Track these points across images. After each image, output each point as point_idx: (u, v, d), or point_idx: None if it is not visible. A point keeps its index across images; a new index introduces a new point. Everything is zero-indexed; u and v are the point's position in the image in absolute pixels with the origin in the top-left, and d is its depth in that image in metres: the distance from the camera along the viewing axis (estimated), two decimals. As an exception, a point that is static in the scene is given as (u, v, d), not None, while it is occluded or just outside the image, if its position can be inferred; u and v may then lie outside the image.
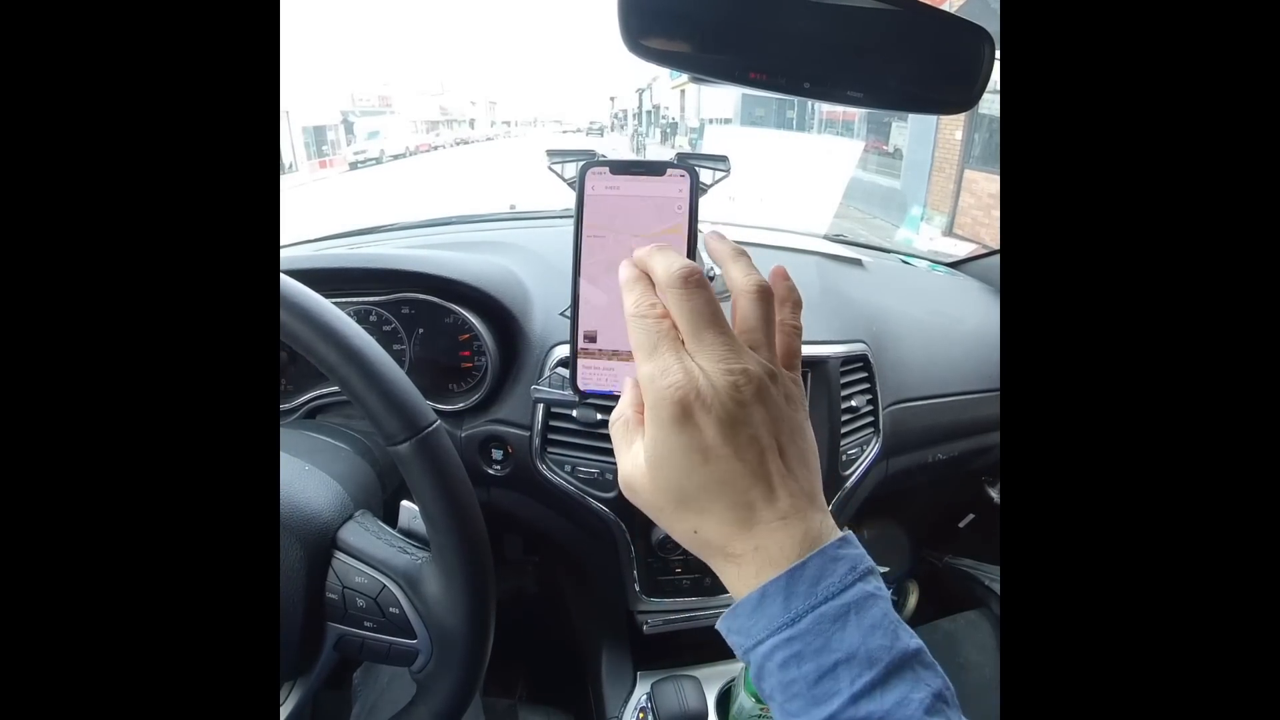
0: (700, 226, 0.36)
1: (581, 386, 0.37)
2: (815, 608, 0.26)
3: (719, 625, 0.30)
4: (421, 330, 0.75)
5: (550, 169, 0.42)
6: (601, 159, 0.36)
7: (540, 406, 0.71)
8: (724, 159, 0.44)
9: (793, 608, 0.26)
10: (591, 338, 0.36)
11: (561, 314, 0.38)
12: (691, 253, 0.36)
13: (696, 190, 0.35)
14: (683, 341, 0.29)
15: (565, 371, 0.55)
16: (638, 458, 0.30)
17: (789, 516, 0.28)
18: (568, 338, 0.37)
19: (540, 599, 1.17)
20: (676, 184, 0.35)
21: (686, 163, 0.36)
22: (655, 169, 0.35)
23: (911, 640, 0.27)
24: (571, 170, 0.38)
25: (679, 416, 0.27)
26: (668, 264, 0.30)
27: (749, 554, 0.28)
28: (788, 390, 0.31)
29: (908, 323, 0.94)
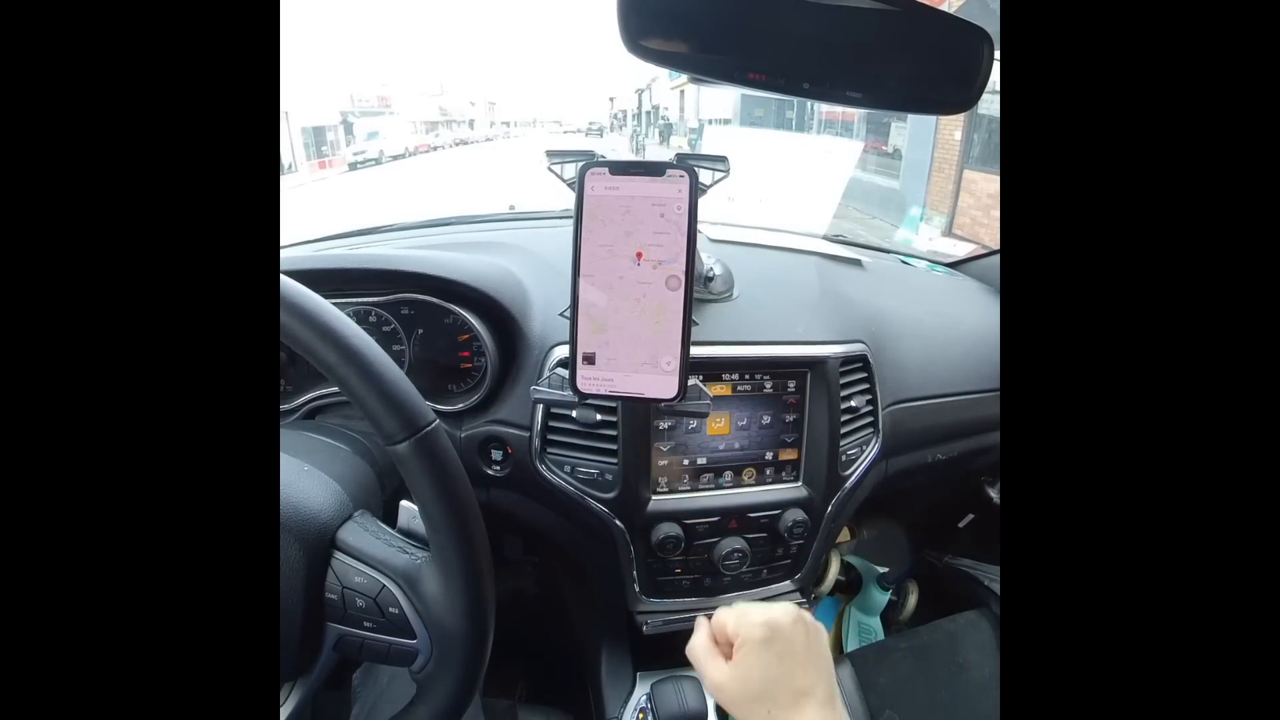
0: (699, 227, 0.36)
1: (582, 389, 0.37)
2: None
3: None
4: (421, 331, 0.75)
5: (550, 169, 0.42)
6: (601, 159, 0.36)
7: (540, 407, 0.71)
8: (723, 159, 0.44)
9: None
10: (590, 351, 0.36)
11: (561, 314, 0.38)
12: (690, 252, 0.36)
13: (696, 190, 0.35)
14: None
15: (565, 372, 0.55)
16: (726, 671, 0.46)
17: (828, 702, 0.44)
18: (567, 338, 0.37)
19: (540, 599, 1.17)
20: (676, 184, 0.35)
21: (686, 163, 0.36)
22: (655, 170, 0.35)
23: None
24: (571, 171, 0.38)
25: (765, 639, 0.45)
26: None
27: None
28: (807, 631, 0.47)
29: (907, 323, 0.94)
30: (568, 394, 0.39)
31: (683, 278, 0.36)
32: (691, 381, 0.40)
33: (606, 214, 0.35)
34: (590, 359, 0.37)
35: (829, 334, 0.81)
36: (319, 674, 0.46)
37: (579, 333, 0.36)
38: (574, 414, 0.71)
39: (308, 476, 0.49)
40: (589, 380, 0.37)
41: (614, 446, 0.71)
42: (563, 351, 0.70)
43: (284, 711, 0.46)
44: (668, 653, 0.84)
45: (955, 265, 1.26)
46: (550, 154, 0.48)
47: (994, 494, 1.17)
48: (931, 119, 6.38)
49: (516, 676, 1.12)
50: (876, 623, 1.31)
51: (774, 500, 0.78)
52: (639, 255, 0.36)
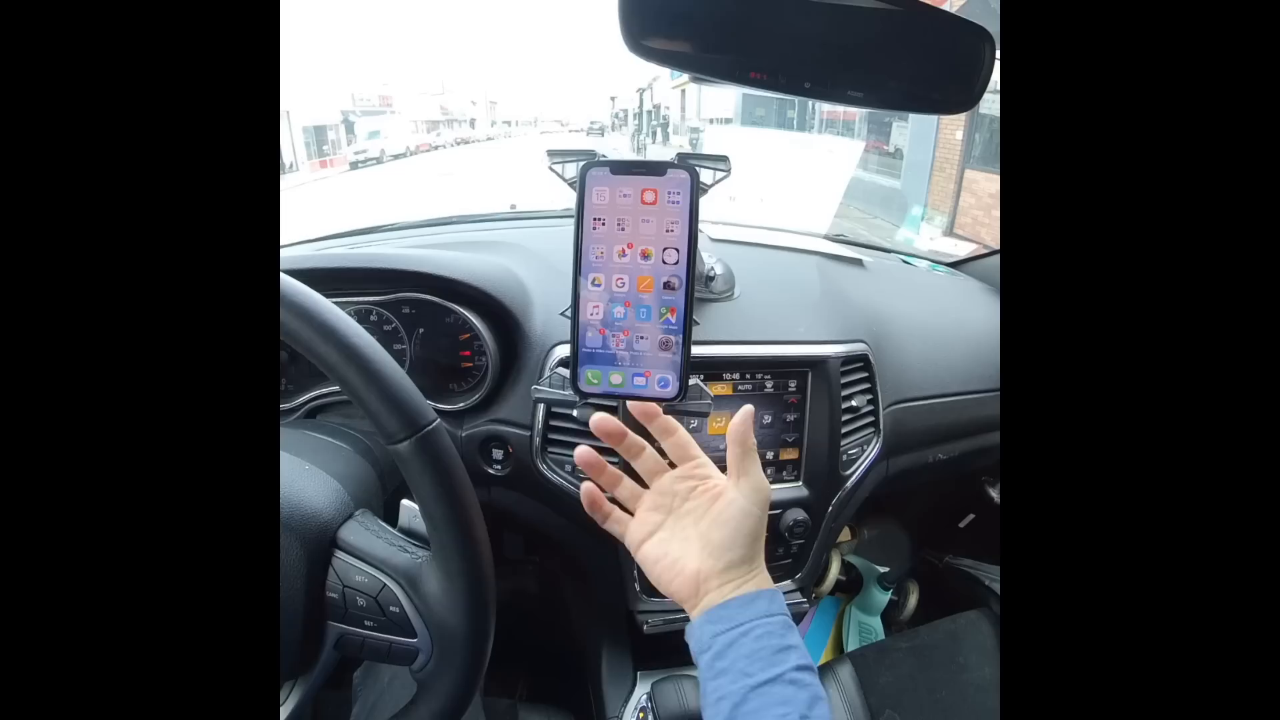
0: (700, 227, 0.36)
1: (583, 389, 0.37)
2: (783, 613, 0.41)
3: (705, 613, 0.41)
4: (422, 330, 0.75)
5: (551, 169, 0.42)
6: (602, 159, 0.36)
7: (540, 406, 0.71)
8: (724, 159, 0.44)
9: (773, 607, 0.41)
10: (591, 351, 0.36)
11: (562, 314, 0.38)
12: (691, 251, 0.36)
13: (697, 190, 0.35)
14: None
15: (565, 372, 0.55)
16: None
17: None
18: (568, 337, 0.37)
19: (540, 599, 1.17)
20: (677, 183, 0.35)
21: (687, 162, 0.36)
22: (656, 169, 0.35)
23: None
24: (572, 170, 0.38)
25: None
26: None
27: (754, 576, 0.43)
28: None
29: (908, 323, 0.94)
30: (568, 394, 0.39)
31: (684, 277, 0.36)
32: (692, 381, 0.40)
33: (608, 213, 0.35)
34: (591, 358, 0.37)
35: (830, 334, 0.81)
36: (320, 673, 0.46)
37: (580, 332, 0.36)
38: (574, 413, 0.71)
39: (308, 475, 0.49)
40: (590, 380, 0.37)
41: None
42: (563, 351, 0.70)
43: (284, 710, 0.46)
44: (668, 652, 0.84)
45: (957, 265, 1.26)
46: (551, 153, 0.48)
47: (994, 494, 1.17)
48: (933, 119, 6.37)
49: (517, 676, 1.12)
50: (877, 622, 1.31)
51: (774, 500, 0.78)
52: (641, 254, 0.36)
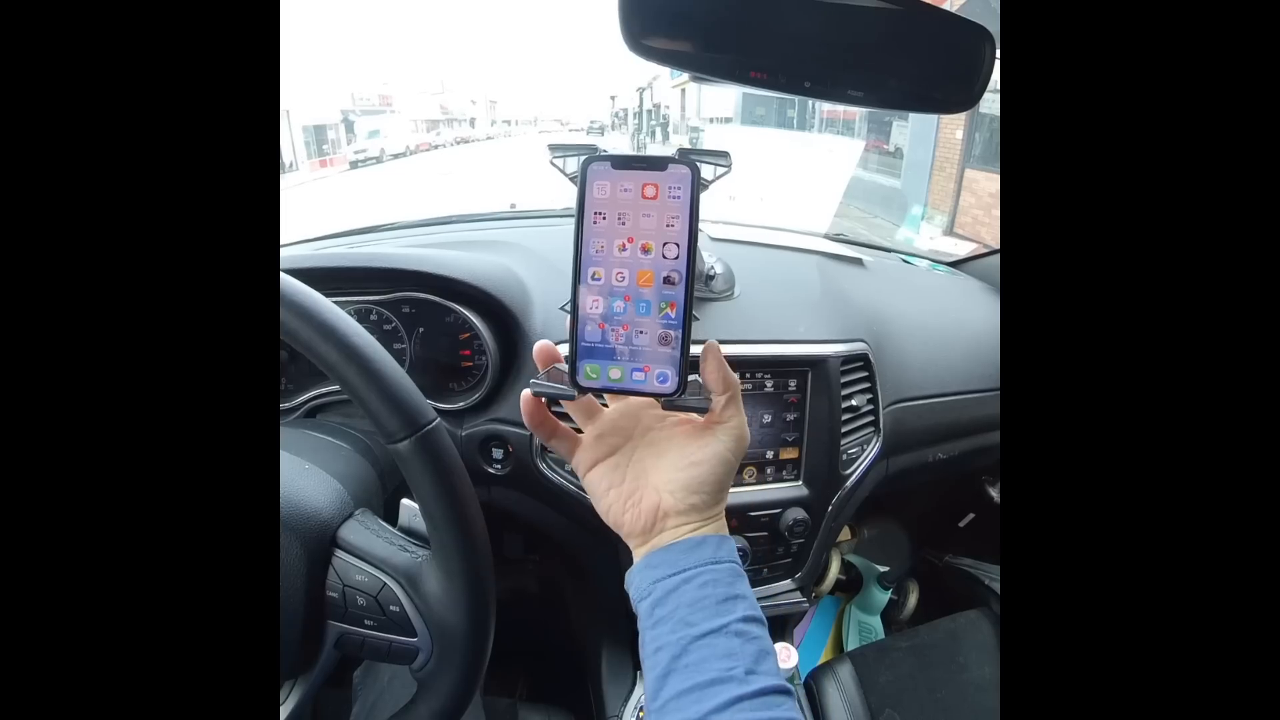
0: (700, 226, 0.36)
1: (581, 383, 0.37)
2: (728, 561, 0.38)
3: (647, 558, 0.39)
4: (422, 329, 0.75)
5: (552, 163, 0.42)
6: (603, 154, 0.36)
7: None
8: (725, 154, 0.44)
9: (720, 553, 0.38)
10: (590, 345, 0.36)
11: (562, 308, 0.38)
12: (692, 246, 0.36)
13: (698, 185, 0.35)
14: None
15: (563, 366, 0.55)
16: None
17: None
18: (567, 336, 0.37)
19: (540, 598, 1.17)
20: (678, 178, 0.35)
21: (688, 157, 0.36)
22: (657, 164, 0.35)
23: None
24: (573, 165, 0.38)
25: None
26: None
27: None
28: None
29: (908, 322, 0.94)
30: (565, 387, 0.39)
31: (684, 272, 0.36)
32: (692, 378, 0.40)
33: (608, 208, 0.35)
34: (590, 353, 0.37)
35: (830, 333, 0.81)
36: (320, 672, 0.47)
37: (579, 326, 0.36)
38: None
39: (309, 475, 0.49)
40: (589, 374, 0.37)
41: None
42: (563, 349, 0.70)
43: (284, 710, 0.46)
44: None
45: (957, 264, 1.26)
46: (553, 148, 0.48)
47: (994, 493, 1.17)
48: (933, 118, 6.37)
49: (517, 675, 1.12)
50: (877, 622, 1.31)
51: (774, 499, 0.78)
52: (641, 249, 0.36)
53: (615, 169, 0.35)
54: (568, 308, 0.37)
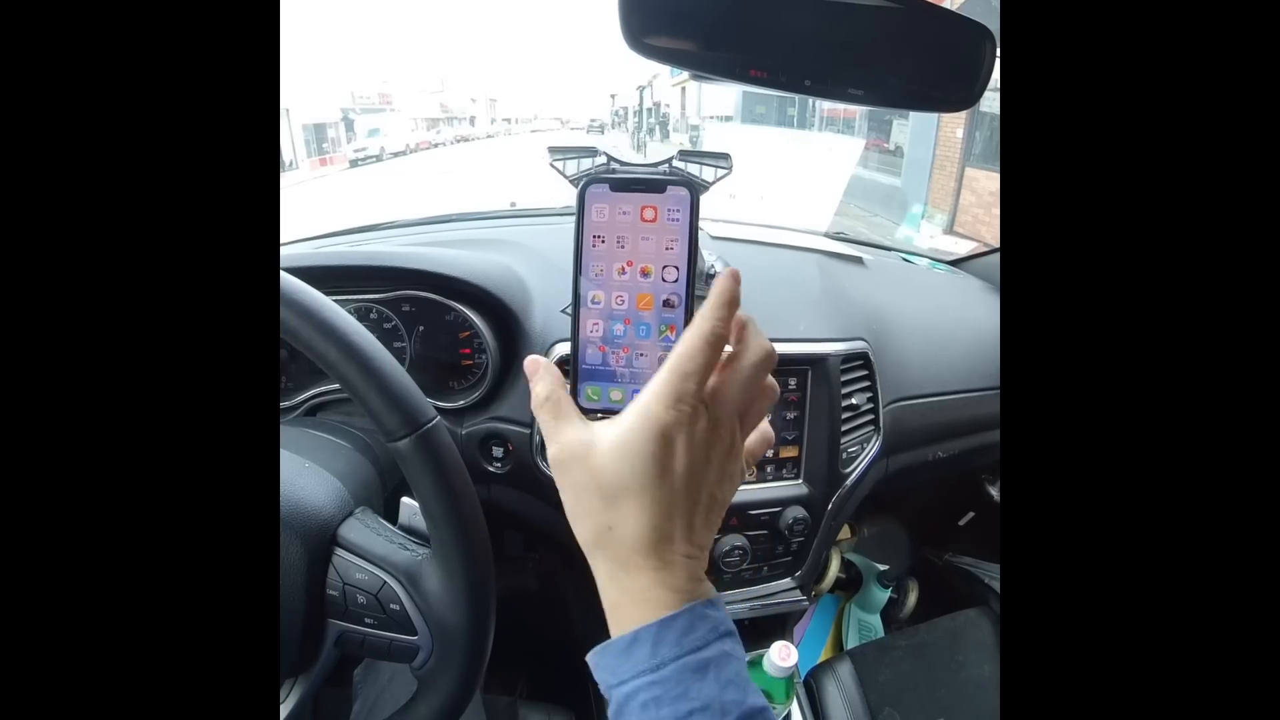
0: (700, 225, 0.36)
1: (584, 405, 0.37)
2: (679, 658, 0.28)
3: (589, 658, 0.32)
4: (422, 328, 0.75)
5: (552, 165, 0.42)
6: (601, 174, 0.36)
7: None
8: (726, 156, 0.44)
9: (660, 655, 0.29)
10: (591, 368, 0.36)
11: (563, 311, 0.38)
12: (691, 269, 0.36)
13: (697, 207, 0.35)
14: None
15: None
16: (596, 435, 0.32)
17: (692, 557, 0.31)
18: (568, 335, 0.37)
19: (540, 596, 1.17)
20: (676, 200, 0.35)
21: (687, 176, 0.36)
22: (655, 186, 0.35)
23: (759, 699, 0.29)
24: (573, 168, 0.38)
25: (676, 425, 0.30)
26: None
27: (641, 582, 0.30)
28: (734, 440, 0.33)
29: (909, 321, 0.94)
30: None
31: (683, 295, 0.36)
32: None
33: (607, 231, 0.36)
34: (591, 375, 0.37)
35: (830, 331, 0.81)
36: (320, 670, 0.47)
37: (580, 349, 0.36)
38: None
39: (309, 473, 0.49)
40: (590, 396, 0.37)
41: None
42: (564, 349, 0.70)
43: (284, 708, 0.46)
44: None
45: (957, 263, 1.26)
46: (552, 150, 0.48)
47: (994, 492, 1.17)
48: (933, 116, 6.37)
49: (517, 673, 1.12)
50: (877, 620, 1.31)
51: (774, 498, 0.78)
52: (640, 272, 0.36)
53: (614, 191, 0.35)
54: (568, 311, 0.37)
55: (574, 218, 0.36)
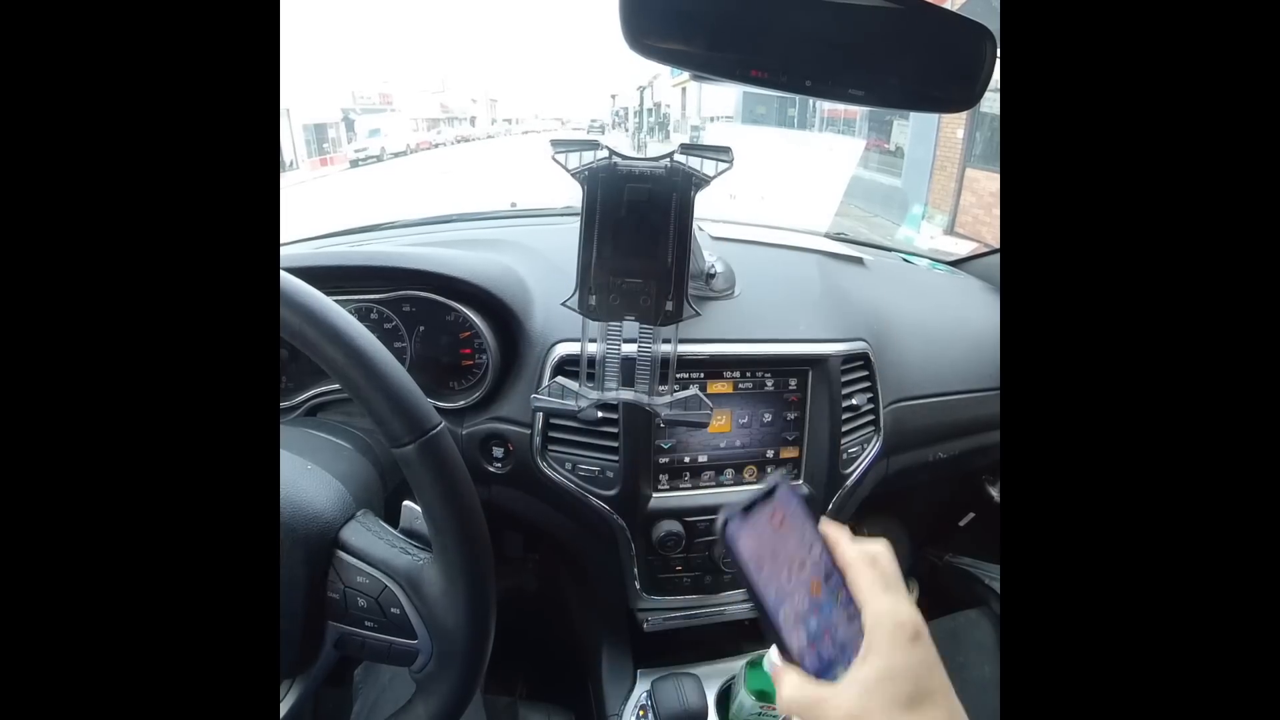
0: (700, 224, 0.36)
1: None
2: None
3: None
4: (422, 328, 0.75)
5: (554, 159, 0.42)
6: (734, 510, 0.38)
7: None
8: (727, 150, 0.44)
9: None
10: (815, 666, 0.37)
11: (564, 304, 0.38)
12: (825, 544, 0.38)
13: (806, 505, 0.38)
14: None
15: (565, 381, 0.54)
16: (854, 686, 0.34)
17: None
18: (568, 335, 0.37)
19: (540, 597, 1.17)
20: (785, 499, 0.38)
21: (783, 484, 0.38)
22: (765, 496, 0.38)
23: None
24: (575, 160, 0.38)
25: (915, 636, 0.35)
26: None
27: None
28: None
29: (909, 321, 0.93)
30: (569, 403, 0.39)
31: (830, 563, 0.38)
32: (691, 391, 0.40)
33: (762, 553, 0.38)
34: (821, 674, 0.37)
35: (830, 332, 0.81)
36: (319, 671, 0.47)
37: (802, 663, 0.37)
38: (578, 414, 0.71)
39: (311, 475, 0.49)
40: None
41: (615, 444, 0.71)
42: (563, 350, 0.70)
43: (284, 708, 0.46)
44: (668, 650, 0.84)
45: (957, 264, 1.25)
46: (555, 143, 0.48)
47: (994, 492, 1.17)
48: (934, 117, 6.37)
49: (517, 674, 1.12)
50: (877, 621, 1.31)
51: (774, 498, 0.78)
52: (798, 567, 0.38)
53: (745, 518, 0.37)
54: (569, 304, 0.37)
55: (722, 550, 0.38)
